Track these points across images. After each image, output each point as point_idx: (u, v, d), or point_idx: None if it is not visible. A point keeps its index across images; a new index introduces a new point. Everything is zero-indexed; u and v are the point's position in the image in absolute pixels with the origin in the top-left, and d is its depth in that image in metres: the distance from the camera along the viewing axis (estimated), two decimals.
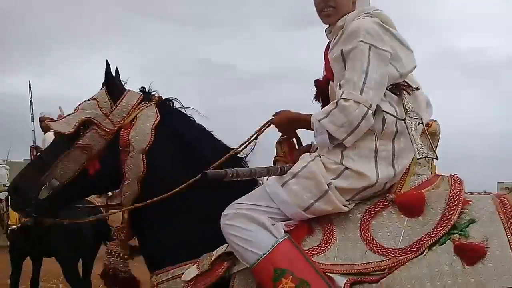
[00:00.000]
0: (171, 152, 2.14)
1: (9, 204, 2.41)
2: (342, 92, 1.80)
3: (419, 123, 1.83)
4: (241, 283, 1.86)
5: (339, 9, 1.97)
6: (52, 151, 2.19)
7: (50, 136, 6.20)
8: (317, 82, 2.16)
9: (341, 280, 1.73)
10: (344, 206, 1.85)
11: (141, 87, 2.24)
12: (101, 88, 2.20)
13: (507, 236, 1.70)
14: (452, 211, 1.76)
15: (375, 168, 1.84)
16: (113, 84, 2.18)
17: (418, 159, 1.78)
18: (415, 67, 1.96)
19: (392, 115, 1.85)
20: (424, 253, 1.71)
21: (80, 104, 2.20)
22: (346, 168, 1.84)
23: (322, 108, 1.98)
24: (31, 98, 7.07)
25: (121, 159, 2.09)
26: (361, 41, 1.81)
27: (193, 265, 1.93)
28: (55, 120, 2.27)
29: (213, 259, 1.89)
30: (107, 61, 2.15)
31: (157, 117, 2.15)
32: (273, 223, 1.85)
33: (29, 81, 7.14)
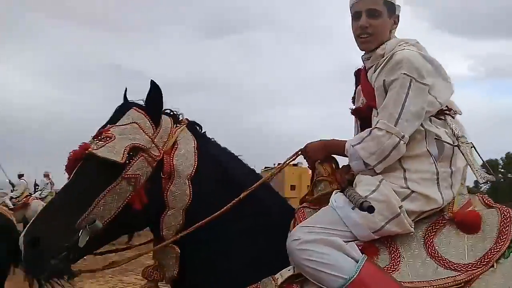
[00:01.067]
0: (212, 177, 2.00)
1: (24, 260, 1.74)
2: (378, 121, 1.90)
3: (471, 147, 1.93)
4: None
5: (376, 37, 2.04)
6: (85, 185, 1.81)
7: None
8: (357, 111, 2.18)
9: None
10: (411, 226, 1.89)
11: (165, 109, 2.04)
12: (127, 111, 1.95)
13: None
14: (507, 227, 1.88)
15: (438, 191, 1.91)
16: (154, 108, 1.97)
17: (481, 183, 1.90)
18: (452, 93, 2.04)
19: (447, 142, 1.95)
20: (494, 266, 1.81)
21: (109, 129, 1.89)
22: (413, 191, 1.89)
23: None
24: None
25: (163, 188, 1.89)
26: (403, 73, 1.88)
27: None
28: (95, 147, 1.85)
29: (280, 282, 1.84)
30: (154, 82, 1.93)
31: (194, 141, 2.01)
32: (347, 244, 1.84)
33: None
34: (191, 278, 1.95)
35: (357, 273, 1.76)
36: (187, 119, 2.10)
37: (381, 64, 2.00)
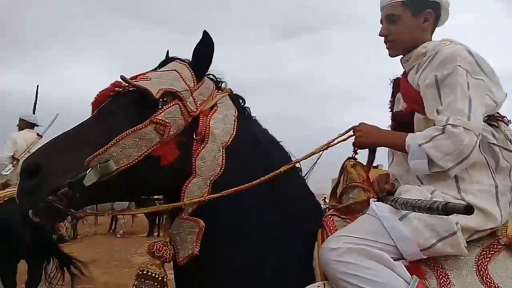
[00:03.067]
0: (249, 153, 1.74)
1: (17, 192, 1.46)
2: (448, 118, 1.62)
3: None
4: None
5: (398, 42, 1.92)
6: (107, 122, 1.58)
7: (21, 136, 5.76)
8: (397, 115, 1.94)
9: None
10: (465, 247, 1.61)
11: (208, 74, 1.82)
12: (168, 62, 1.79)
13: None
14: None
15: (498, 207, 1.65)
16: (199, 61, 1.75)
17: None
18: (505, 97, 1.82)
19: (506, 149, 1.71)
20: None
21: (146, 73, 1.70)
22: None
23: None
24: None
25: (194, 151, 1.63)
26: (458, 65, 1.68)
27: None
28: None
29: None
30: (206, 33, 1.69)
31: (235, 110, 1.80)
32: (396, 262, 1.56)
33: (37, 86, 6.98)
34: (214, 257, 1.64)
35: None
36: (230, 89, 1.87)
37: (425, 62, 1.81)
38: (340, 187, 1.88)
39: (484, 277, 1.60)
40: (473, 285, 1.59)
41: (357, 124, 1.88)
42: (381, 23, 1.97)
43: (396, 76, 2.08)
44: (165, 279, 1.59)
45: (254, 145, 1.78)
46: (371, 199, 1.73)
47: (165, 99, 1.62)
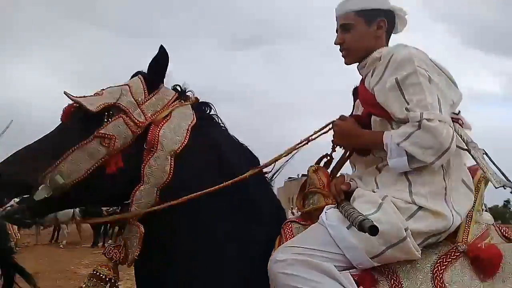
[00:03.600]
0: (202, 161, 1.79)
1: None
2: (421, 113, 1.61)
3: (483, 153, 1.68)
4: None
5: (352, 50, 1.93)
6: (61, 138, 1.69)
7: None
8: (355, 118, 1.93)
9: None
10: (417, 252, 1.60)
11: (175, 85, 1.90)
12: (134, 77, 1.87)
13: None
14: None
15: (447, 206, 1.64)
16: (153, 74, 1.83)
17: (496, 187, 1.60)
18: (461, 99, 1.84)
19: (461, 148, 1.70)
20: None
21: (105, 89, 1.80)
22: (420, 207, 1.62)
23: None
24: None
25: (144, 159, 1.69)
26: (417, 66, 1.68)
27: None
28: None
29: None
30: (162, 47, 1.78)
31: (193, 119, 1.83)
32: (341, 272, 1.55)
33: None
34: (149, 263, 1.74)
35: None
36: (196, 98, 1.93)
37: (379, 66, 1.82)
38: (302, 191, 1.88)
39: (438, 285, 1.59)
40: None
41: (337, 119, 1.89)
42: (336, 32, 1.98)
43: (356, 85, 2.07)
44: (113, 280, 1.69)
45: (210, 152, 1.82)
46: (326, 206, 1.73)
47: (111, 112, 1.70)
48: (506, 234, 1.76)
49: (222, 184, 1.73)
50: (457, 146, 1.68)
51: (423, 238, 1.62)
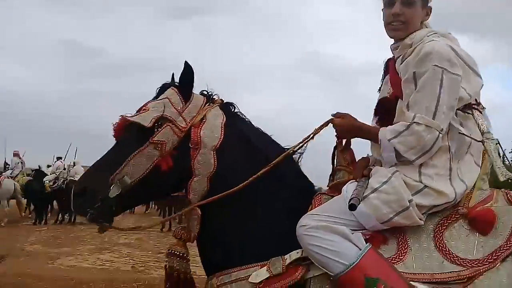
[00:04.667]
0: (238, 151, 2.17)
1: (72, 206, 2.13)
2: (414, 116, 1.89)
3: (496, 143, 1.94)
4: (317, 286, 1.92)
5: (408, 25, 2.06)
6: (122, 148, 2.12)
7: None
8: (382, 100, 2.19)
9: None
10: (420, 219, 1.92)
11: (202, 90, 2.29)
12: (168, 89, 2.23)
13: None
14: None
15: (451, 186, 1.93)
16: (185, 86, 2.22)
17: (501, 180, 1.87)
18: (482, 86, 2.05)
19: (471, 137, 1.97)
20: (500, 264, 1.81)
21: (147, 103, 2.19)
22: (426, 186, 1.91)
23: (383, 126, 2.02)
24: None
25: (191, 157, 2.10)
26: (434, 65, 1.89)
27: (260, 267, 1.97)
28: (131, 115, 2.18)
29: (287, 263, 1.94)
30: (187, 63, 2.16)
31: (223, 117, 2.21)
32: (353, 233, 1.91)
33: None
34: (210, 243, 2.16)
35: (358, 260, 1.83)
36: (221, 99, 2.30)
37: (409, 55, 2.01)
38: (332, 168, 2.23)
39: (438, 243, 1.89)
40: (428, 250, 1.88)
41: (335, 116, 2.15)
42: (389, 3, 2.08)
43: (388, 58, 2.24)
44: (185, 255, 2.16)
45: (243, 143, 2.20)
46: (350, 180, 2.05)
47: (159, 123, 2.10)
48: (511, 198, 1.99)
49: (263, 170, 2.12)
50: (470, 137, 1.96)
51: (427, 209, 1.93)
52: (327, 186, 2.20)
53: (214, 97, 2.30)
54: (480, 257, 1.84)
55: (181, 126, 2.12)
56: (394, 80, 2.11)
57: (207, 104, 2.23)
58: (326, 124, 2.19)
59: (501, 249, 1.83)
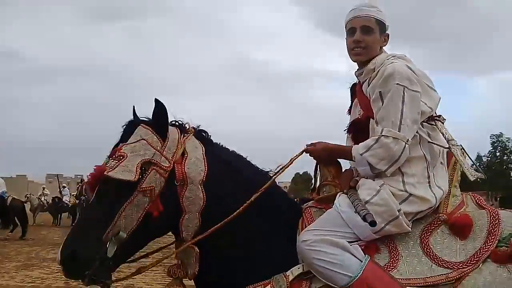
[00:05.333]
0: (225, 181, 2.14)
1: (65, 272, 2.04)
2: (382, 129, 2.08)
3: (461, 149, 2.16)
4: None
5: (368, 50, 2.26)
6: (106, 202, 2.01)
7: None
8: (355, 121, 2.36)
9: None
10: (408, 226, 2.09)
11: (173, 121, 2.20)
12: (135, 128, 2.12)
13: None
14: (496, 228, 2.08)
15: (431, 192, 2.12)
16: (160, 124, 2.12)
17: (472, 180, 2.09)
18: (440, 99, 2.27)
19: (439, 145, 2.18)
20: (482, 264, 2.01)
21: (121, 148, 2.06)
22: (410, 194, 2.08)
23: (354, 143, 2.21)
24: None
25: (179, 194, 2.04)
26: (396, 83, 2.09)
27: (264, 287, 2.01)
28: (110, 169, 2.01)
29: (290, 279, 2.00)
30: (158, 101, 2.08)
31: (202, 147, 2.16)
32: (351, 245, 2.02)
33: None
34: (210, 274, 2.11)
35: (361, 272, 1.94)
36: (193, 127, 2.24)
37: (373, 77, 2.20)
38: (317, 183, 2.33)
39: (425, 248, 2.07)
40: (417, 255, 2.05)
41: (309, 146, 2.28)
42: (350, 31, 2.29)
43: (353, 82, 2.45)
44: None
45: (227, 173, 2.16)
46: (339, 193, 2.17)
47: (143, 168, 2.00)
48: (479, 202, 2.24)
49: (251, 199, 2.10)
50: (436, 144, 2.17)
51: (413, 216, 2.11)
52: (314, 199, 2.28)
53: (185, 126, 2.23)
54: (464, 260, 2.03)
55: (165, 166, 2.03)
56: (363, 102, 2.29)
57: (182, 136, 2.15)
58: (301, 153, 2.29)
59: (481, 251, 2.04)
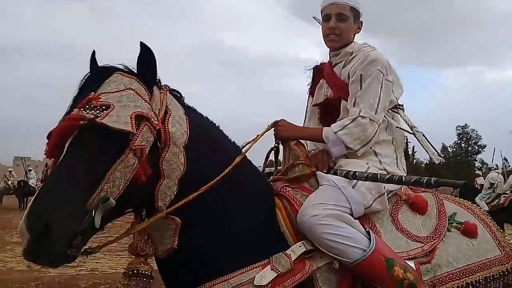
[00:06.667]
0: (205, 148, 1.92)
1: (33, 253, 1.53)
2: (360, 110, 2.15)
3: (423, 135, 2.30)
4: (323, 278, 1.94)
5: (342, 37, 2.36)
6: (92, 159, 1.61)
7: None
8: (325, 102, 2.41)
9: (412, 264, 2.07)
10: (387, 204, 2.19)
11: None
12: (107, 76, 1.76)
13: (476, 219, 2.40)
14: (443, 208, 2.34)
15: (400, 172, 2.28)
16: (148, 73, 1.81)
17: (437, 163, 2.25)
18: (403, 91, 2.42)
19: (406, 131, 2.34)
20: (444, 238, 2.23)
21: (102, 96, 1.67)
22: (388, 173, 2.17)
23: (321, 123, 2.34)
24: None
25: (160, 156, 1.76)
26: (378, 69, 2.21)
27: (262, 268, 1.86)
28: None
29: (293, 258, 1.90)
30: (145, 45, 1.75)
31: (182, 108, 1.92)
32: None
33: None
34: (189, 248, 1.86)
35: (375, 243, 1.96)
36: (167, 85, 1.94)
37: (351, 60, 2.32)
38: (286, 162, 2.26)
39: (397, 225, 2.19)
40: (392, 231, 2.16)
41: (279, 120, 2.30)
42: (325, 18, 2.37)
43: (316, 64, 2.54)
44: (152, 273, 1.80)
45: (207, 139, 1.96)
46: (318, 172, 2.18)
47: (136, 122, 1.67)
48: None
49: (226, 170, 1.92)
50: (404, 130, 2.35)
51: (388, 193, 2.21)
52: (284, 178, 2.20)
53: (160, 82, 1.91)
54: (429, 234, 2.22)
55: (154, 123, 1.73)
56: (335, 82, 2.38)
57: (161, 92, 1.86)
58: (269, 129, 2.28)
59: (440, 227, 2.25)
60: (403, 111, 2.40)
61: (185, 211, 1.82)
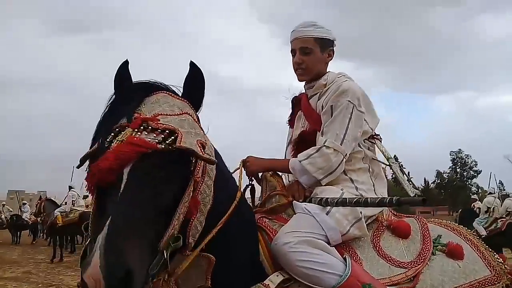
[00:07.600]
0: (221, 179, 1.79)
1: None
2: (326, 140, 2.16)
3: (399, 166, 2.32)
4: None
5: (309, 70, 2.36)
6: (158, 187, 1.43)
7: None
8: (301, 134, 2.41)
9: None
10: (366, 230, 2.14)
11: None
12: (148, 94, 1.60)
13: (463, 240, 2.36)
14: (427, 232, 2.31)
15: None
16: (195, 97, 1.69)
17: (412, 196, 2.18)
18: (378, 122, 2.40)
19: (382, 162, 2.33)
20: (429, 262, 2.18)
21: (160, 118, 1.48)
22: (366, 198, 2.11)
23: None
24: None
25: (196, 189, 1.59)
26: (348, 101, 2.20)
27: None
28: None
29: None
30: (195, 65, 1.62)
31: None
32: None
33: None
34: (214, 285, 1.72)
35: (351, 269, 1.91)
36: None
37: (325, 92, 2.31)
38: (263, 194, 2.25)
39: (379, 251, 2.15)
40: (374, 258, 2.11)
41: (246, 157, 2.30)
42: (292, 52, 2.39)
43: (295, 95, 2.55)
44: None
45: (222, 170, 1.87)
46: (294, 202, 2.15)
47: None
48: (394, 213, 2.42)
49: (234, 202, 1.87)
50: (380, 162, 2.35)
51: (367, 219, 2.18)
52: (261, 210, 2.17)
53: None
54: (413, 259, 2.16)
55: (208, 155, 1.59)
56: (311, 115, 2.38)
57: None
58: (240, 167, 2.24)
59: (424, 251, 2.21)
60: (380, 141, 2.40)
61: (209, 247, 1.70)
